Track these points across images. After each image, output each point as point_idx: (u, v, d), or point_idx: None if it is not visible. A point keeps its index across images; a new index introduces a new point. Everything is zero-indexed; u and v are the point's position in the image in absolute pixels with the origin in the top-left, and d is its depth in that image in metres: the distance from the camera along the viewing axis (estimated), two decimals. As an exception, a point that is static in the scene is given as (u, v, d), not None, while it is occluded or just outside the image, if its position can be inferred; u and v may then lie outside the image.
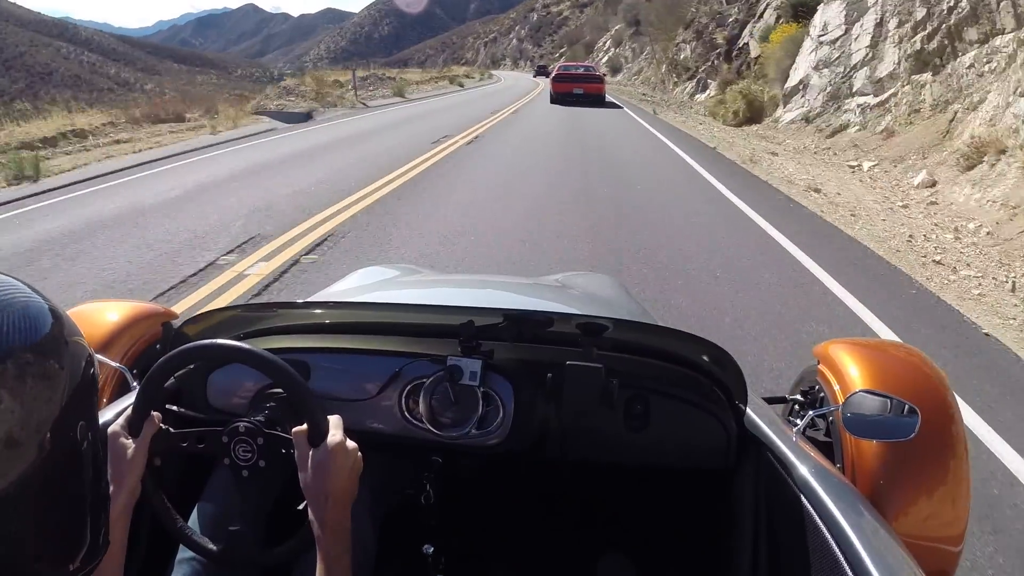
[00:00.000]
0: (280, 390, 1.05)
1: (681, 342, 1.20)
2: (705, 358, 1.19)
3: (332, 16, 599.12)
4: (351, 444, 0.91)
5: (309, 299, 1.64)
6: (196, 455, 0.98)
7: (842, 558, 0.83)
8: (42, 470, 0.48)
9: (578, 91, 21.89)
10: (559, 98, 21.91)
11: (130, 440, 0.93)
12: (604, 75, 26.06)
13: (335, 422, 0.92)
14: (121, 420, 0.94)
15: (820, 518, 0.91)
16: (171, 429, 0.97)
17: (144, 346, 1.75)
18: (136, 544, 0.99)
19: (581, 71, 24.38)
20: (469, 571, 1.33)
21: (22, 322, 0.48)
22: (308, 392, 0.91)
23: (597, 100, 21.85)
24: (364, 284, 2.14)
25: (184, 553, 1.03)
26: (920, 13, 10.21)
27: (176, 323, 1.85)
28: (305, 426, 0.90)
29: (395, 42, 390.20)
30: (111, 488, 0.89)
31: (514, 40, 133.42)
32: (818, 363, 1.71)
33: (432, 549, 1.16)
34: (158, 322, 1.85)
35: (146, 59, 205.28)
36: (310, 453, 0.88)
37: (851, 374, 1.54)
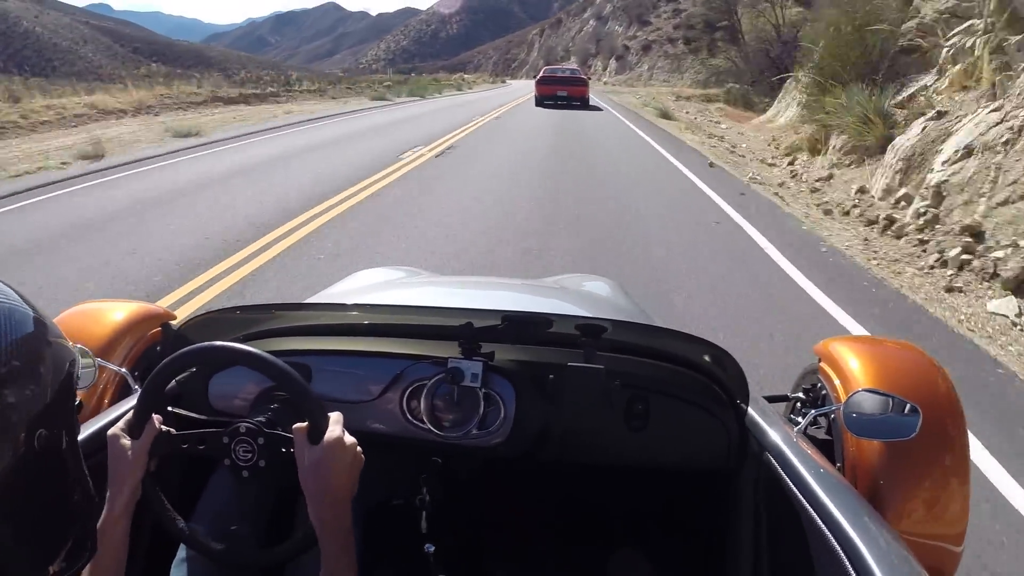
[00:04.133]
0: (282, 392, 1.04)
1: (681, 343, 1.21)
2: (706, 358, 1.19)
3: (409, 16, 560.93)
4: (350, 440, 0.90)
5: (310, 300, 1.72)
6: (197, 456, 0.97)
7: (845, 559, 0.83)
8: (18, 470, 0.49)
9: (561, 93, 22.42)
10: (543, 101, 22.51)
11: (130, 442, 0.93)
12: (588, 78, 26.55)
13: (335, 418, 0.91)
14: (121, 423, 0.94)
15: (821, 519, 0.91)
16: (172, 431, 0.96)
17: (144, 347, 1.72)
18: (138, 545, 0.97)
19: (566, 74, 24.58)
20: (470, 571, 1.32)
21: (3, 327, 0.49)
22: (308, 390, 0.91)
23: (581, 103, 22.29)
24: (365, 286, 2.14)
25: (183, 553, 1.03)
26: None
27: (175, 324, 1.76)
28: (305, 423, 0.89)
29: (464, 42, 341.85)
30: (111, 489, 0.90)
31: (591, 20, 74.89)
32: (819, 361, 1.70)
33: (433, 548, 1.14)
34: (158, 323, 1.80)
35: (112, 49, 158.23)
36: (310, 450, 0.88)
37: (853, 372, 1.53)
